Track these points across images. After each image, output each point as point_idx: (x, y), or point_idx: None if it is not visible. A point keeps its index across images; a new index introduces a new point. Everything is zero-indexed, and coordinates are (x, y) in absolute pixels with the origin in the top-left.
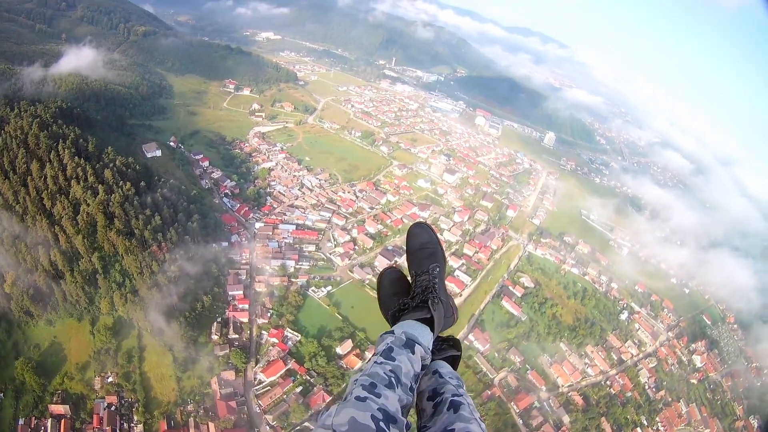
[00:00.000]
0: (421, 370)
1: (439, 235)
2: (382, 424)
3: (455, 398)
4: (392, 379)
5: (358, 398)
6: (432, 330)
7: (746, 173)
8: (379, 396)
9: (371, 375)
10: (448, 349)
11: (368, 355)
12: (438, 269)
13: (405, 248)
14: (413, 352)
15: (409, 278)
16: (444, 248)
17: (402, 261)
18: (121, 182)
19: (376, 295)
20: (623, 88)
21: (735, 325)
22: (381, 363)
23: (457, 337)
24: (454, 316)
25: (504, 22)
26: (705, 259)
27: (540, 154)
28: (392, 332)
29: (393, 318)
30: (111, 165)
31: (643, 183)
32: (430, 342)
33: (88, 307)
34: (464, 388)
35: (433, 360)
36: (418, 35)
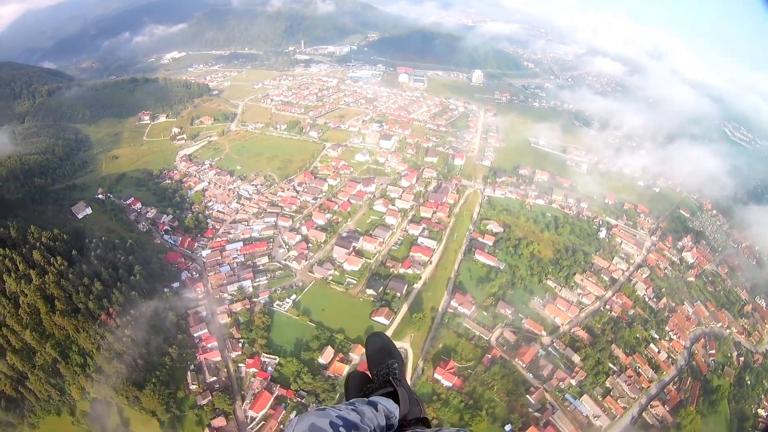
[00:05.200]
0: (388, 430)
1: (392, 339)
2: (342, 429)
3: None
4: (355, 412)
5: (318, 409)
6: (397, 403)
7: (680, 62)
8: (339, 409)
9: (333, 405)
10: (416, 425)
11: (352, 356)
12: (396, 364)
13: (365, 357)
14: (376, 409)
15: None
16: (399, 350)
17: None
18: (52, 259)
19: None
20: (537, 10)
21: (714, 211)
22: (343, 405)
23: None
24: (420, 407)
25: None
26: (666, 155)
27: (472, 95)
28: None
29: None
30: (38, 244)
31: (583, 96)
32: (395, 410)
33: (61, 398)
34: None
35: None
36: (321, 12)
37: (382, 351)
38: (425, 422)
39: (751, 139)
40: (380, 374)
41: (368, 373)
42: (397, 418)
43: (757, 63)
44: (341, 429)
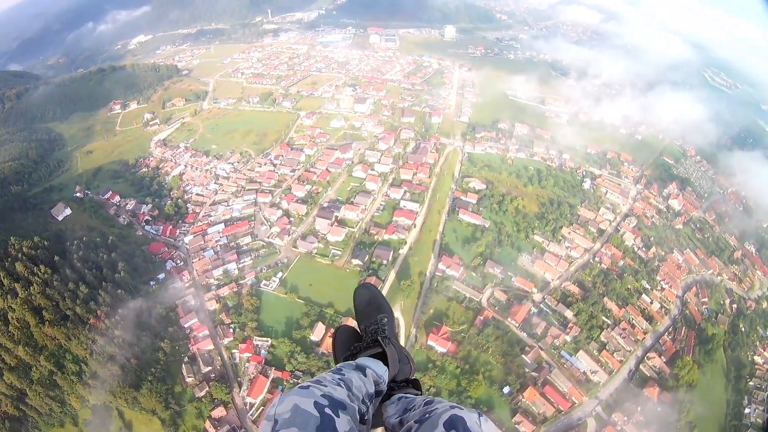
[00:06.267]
0: (377, 396)
1: (380, 289)
2: (328, 410)
3: (427, 399)
4: (341, 383)
5: (301, 387)
6: (386, 365)
7: (656, 7)
8: (324, 386)
9: (318, 377)
10: (407, 387)
11: None
12: (385, 319)
13: (353, 309)
14: (365, 375)
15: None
16: (389, 302)
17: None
18: (35, 268)
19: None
20: None
21: (698, 157)
22: (329, 374)
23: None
24: (411, 365)
25: None
26: (646, 102)
27: (446, 51)
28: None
29: None
30: (19, 256)
31: (558, 46)
32: (384, 373)
33: (62, 410)
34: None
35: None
36: None
37: (370, 304)
38: (416, 384)
39: (731, 84)
40: (368, 330)
41: (356, 327)
42: (386, 381)
43: (733, 7)
44: (327, 410)
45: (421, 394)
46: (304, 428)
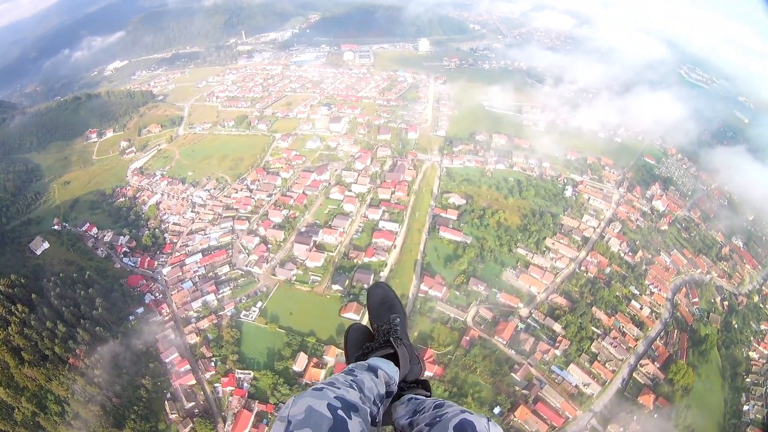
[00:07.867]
0: (388, 397)
1: (395, 292)
2: (340, 412)
3: (437, 402)
4: (354, 385)
5: (314, 389)
6: (397, 365)
7: (628, 8)
8: (338, 387)
9: (331, 378)
10: (417, 388)
11: (327, 358)
12: (398, 319)
13: (366, 307)
14: (376, 376)
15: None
16: (402, 303)
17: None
18: (12, 307)
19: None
20: None
21: (679, 155)
22: (342, 375)
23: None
24: (421, 365)
25: None
26: (624, 104)
27: (420, 64)
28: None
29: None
30: None
31: (533, 53)
32: (395, 374)
33: None
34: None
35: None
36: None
37: (383, 304)
38: (425, 385)
39: (707, 79)
40: (381, 330)
41: (369, 326)
42: (397, 382)
43: (702, 2)
44: (340, 411)
45: (430, 396)
46: (318, 430)
